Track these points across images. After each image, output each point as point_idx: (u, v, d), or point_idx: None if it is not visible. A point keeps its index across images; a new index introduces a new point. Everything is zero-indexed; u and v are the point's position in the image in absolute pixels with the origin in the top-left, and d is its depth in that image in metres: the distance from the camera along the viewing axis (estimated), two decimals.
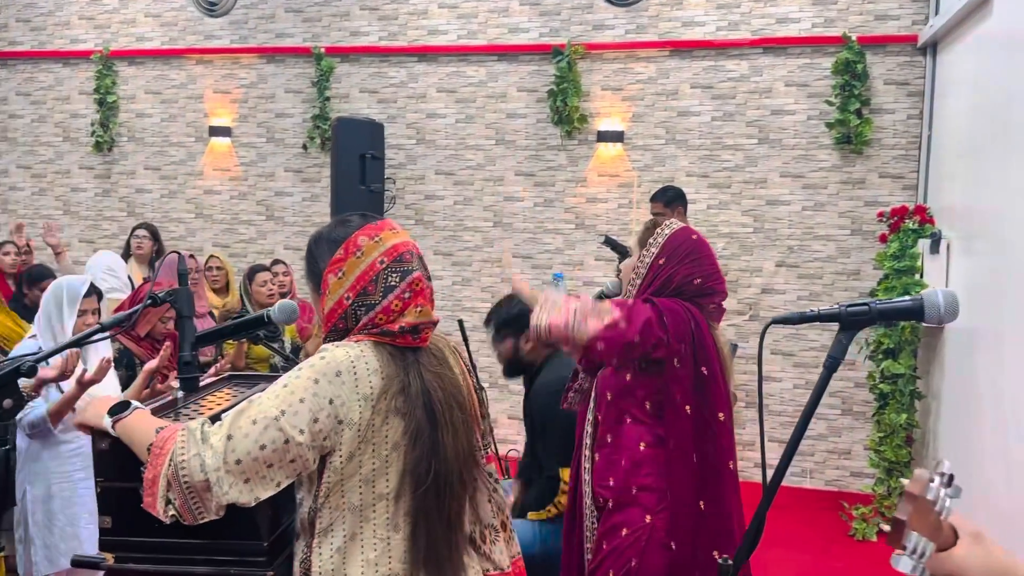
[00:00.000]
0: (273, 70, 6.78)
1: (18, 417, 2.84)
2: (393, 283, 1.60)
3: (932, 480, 1.06)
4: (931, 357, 5.07)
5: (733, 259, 6.00)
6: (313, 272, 1.67)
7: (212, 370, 2.72)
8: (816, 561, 4.54)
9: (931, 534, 1.05)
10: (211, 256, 5.47)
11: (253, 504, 1.51)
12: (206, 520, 1.52)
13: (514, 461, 5.11)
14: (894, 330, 5.01)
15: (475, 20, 6.39)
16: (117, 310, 3.16)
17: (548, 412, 2.95)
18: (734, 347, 4.99)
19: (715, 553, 2.19)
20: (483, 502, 1.76)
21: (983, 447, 4.06)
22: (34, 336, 2.96)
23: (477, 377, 4.08)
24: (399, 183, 6.56)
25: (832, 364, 1.38)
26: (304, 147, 6.72)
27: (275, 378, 1.74)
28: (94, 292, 3.01)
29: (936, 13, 5.33)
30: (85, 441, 2.86)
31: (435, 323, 1.67)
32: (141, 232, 5.47)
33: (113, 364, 2.98)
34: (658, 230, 2.43)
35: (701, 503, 2.24)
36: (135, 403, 1.71)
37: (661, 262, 2.38)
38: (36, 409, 2.86)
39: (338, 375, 1.53)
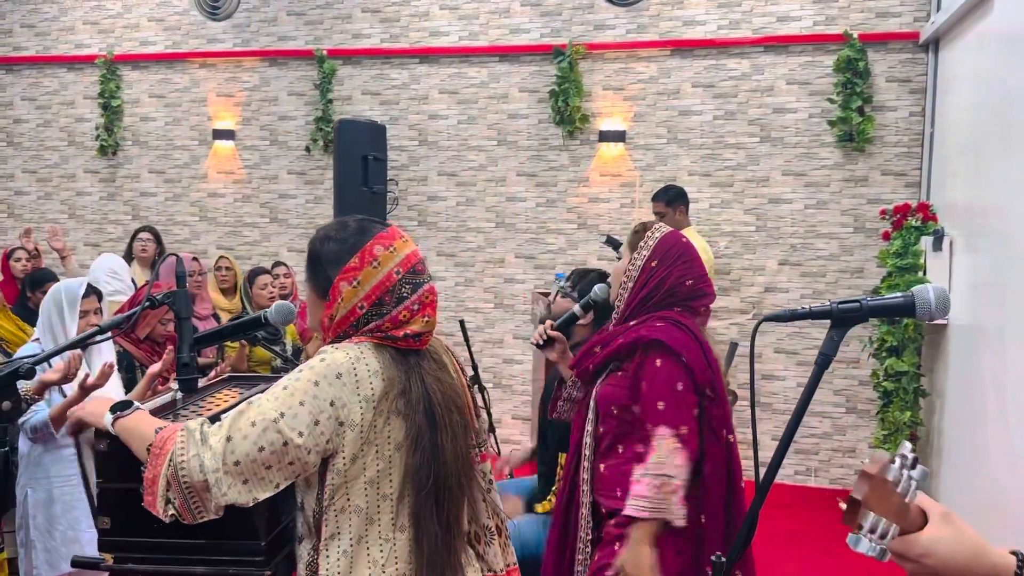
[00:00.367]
0: (276, 73, 6.81)
1: (20, 421, 2.86)
2: (405, 294, 1.62)
3: (893, 462, 1.03)
4: (935, 354, 5.06)
5: (736, 258, 6.00)
6: (318, 275, 1.67)
7: (212, 373, 2.73)
8: (821, 559, 4.53)
9: (895, 517, 1.03)
10: (220, 257, 5.50)
11: (252, 504, 1.53)
12: (206, 519, 1.53)
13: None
14: (897, 328, 5.00)
15: (476, 21, 6.40)
16: (118, 312, 3.17)
17: None
18: (734, 345, 4.99)
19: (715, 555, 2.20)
20: (478, 501, 1.77)
21: (987, 444, 4.05)
22: (37, 340, 2.97)
23: (480, 379, 4.09)
24: (401, 184, 6.57)
25: (824, 361, 1.38)
26: (307, 149, 6.74)
27: (275, 379, 1.75)
28: (93, 292, 3.01)
29: (938, 9, 5.32)
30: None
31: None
32: (144, 235, 5.50)
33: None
34: (648, 233, 2.43)
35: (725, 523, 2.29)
36: (135, 403, 1.72)
37: (654, 264, 2.38)
38: (39, 413, 2.86)
39: (338, 377, 1.53)
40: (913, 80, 5.66)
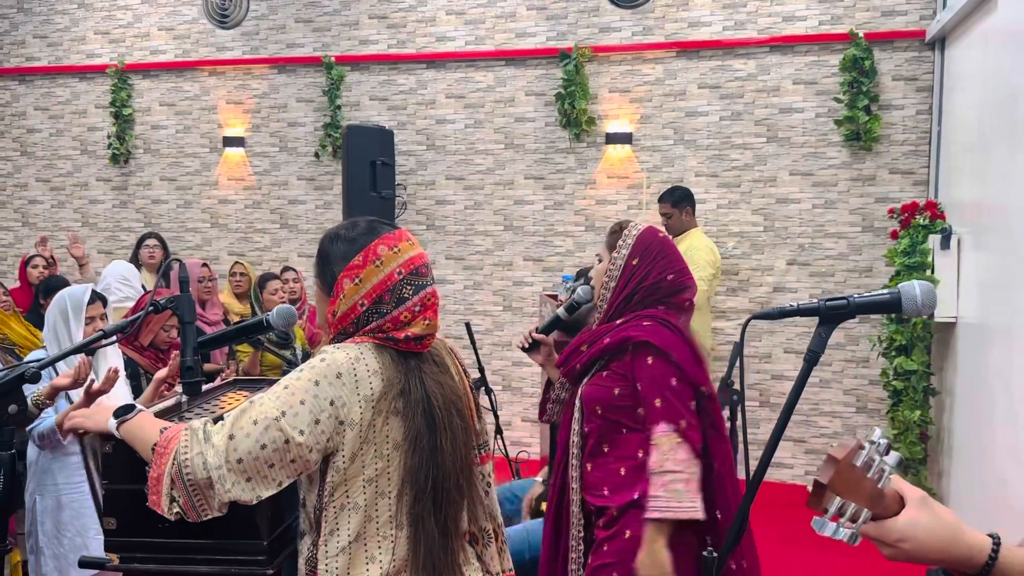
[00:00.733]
0: (285, 80, 6.86)
1: (29, 428, 2.90)
2: (407, 295, 1.64)
3: (862, 447, 1.04)
4: (944, 353, 5.03)
5: (744, 258, 6.00)
6: (325, 271, 1.70)
7: (219, 379, 2.75)
8: (832, 558, 4.52)
9: (868, 502, 1.04)
10: (235, 262, 5.56)
11: (255, 502, 1.55)
12: (210, 517, 1.56)
13: (525, 463, 5.14)
14: (906, 326, 4.98)
15: (482, 26, 6.43)
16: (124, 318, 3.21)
17: None
18: (739, 346, 4.98)
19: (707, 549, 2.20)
20: (477, 503, 1.78)
21: (996, 442, 4.03)
22: (45, 347, 3.01)
23: (487, 381, 4.10)
24: (410, 189, 6.61)
25: (812, 358, 1.40)
26: (316, 155, 6.79)
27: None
28: (98, 299, 3.04)
29: (943, 7, 5.31)
30: None
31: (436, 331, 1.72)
32: (151, 241, 5.55)
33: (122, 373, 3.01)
34: (626, 232, 2.43)
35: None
36: (139, 406, 1.76)
37: (634, 262, 2.38)
38: (46, 420, 2.88)
39: (338, 377, 1.56)
40: (920, 78, 5.64)
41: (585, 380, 2.41)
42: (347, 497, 1.58)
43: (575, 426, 2.40)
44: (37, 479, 3.02)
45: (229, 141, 6.92)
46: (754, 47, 5.93)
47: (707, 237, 5.50)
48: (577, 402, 2.41)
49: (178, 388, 2.34)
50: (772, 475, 5.97)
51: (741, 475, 2.43)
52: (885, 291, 1.38)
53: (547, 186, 6.38)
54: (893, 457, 1.06)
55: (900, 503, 1.07)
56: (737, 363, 4.97)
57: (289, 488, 1.62)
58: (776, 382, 5.96)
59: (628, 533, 2.24)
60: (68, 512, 3.00)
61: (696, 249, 5.16)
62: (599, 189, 6.29)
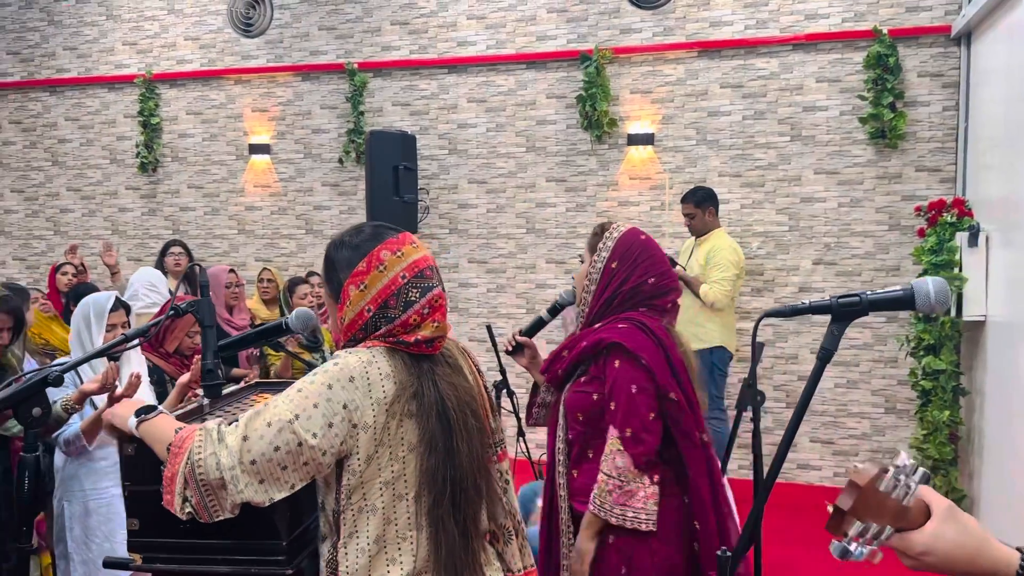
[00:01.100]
0: (309, 87, 6.93)
1: (55, 435, 2.95)
2: (413, 298, 1.64)
3: (886, 472, 1.02)
4: (973, 352, 4.96)
5: (769, 258, 5.95)
6: (332, 278, 1.72)
7: (243, 382, 2.78)
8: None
9: (892, 520, 1.02)
10: (264, 268, 5.63)
11: (268, 504, 1.56)
12: (221, 518, 1.57)
13: (546, 466, 5.13)
14: (934, 326, 4.91)
15: (503, 30, 6.45)
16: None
17: None
18: (761, 346, 4.95)
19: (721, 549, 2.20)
20: (496, 501, 1.78)
21: None
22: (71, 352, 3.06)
23: (508, 383, 4.11)
24: (432, 193, 6.64)
25: (825, 355, 1.39)
26: (340, 161, 6.85)
27: None
28: (121, 306, 3.08)
29: (968, 2, 5.24)
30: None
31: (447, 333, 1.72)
32: (176, 249, 5.63)
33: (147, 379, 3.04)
34: (607, 234, 2.40)
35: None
36: (160, 407, 1.78)
37: (614, 266, 2.34)
38: (72, 426, 2.91)
39: (351, 380, 1.57)
40: (945, 74, 5.57)
41: (568, 386, 2.39)
42: (365, 500, 1.59)
43: (560, 433, 2.39)
44: (65, 485, 3.05)
45: (255, 148, 7.00)
46: (776, 45, 5.89)
47: (730, 237, 5.47)
48: (561, 408, 2.39)
49: (199, 392, 2.38)
50: (800, 477, 5.91)
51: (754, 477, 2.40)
52: (898, 288, 1.37)
53: (569, 188, 6.38)
54: (920, 474, 1.03)
55: (926, 514, 1.05)
56: (757, 359, 4.94)
57: (307, 488, 1.63)
58: (803, 383, 5.88)
59: (611, 539, 2.23)
60: (96, 517, 3.03)
61: (719, 249, 5.13)
62: (621, 191, 6.27)
